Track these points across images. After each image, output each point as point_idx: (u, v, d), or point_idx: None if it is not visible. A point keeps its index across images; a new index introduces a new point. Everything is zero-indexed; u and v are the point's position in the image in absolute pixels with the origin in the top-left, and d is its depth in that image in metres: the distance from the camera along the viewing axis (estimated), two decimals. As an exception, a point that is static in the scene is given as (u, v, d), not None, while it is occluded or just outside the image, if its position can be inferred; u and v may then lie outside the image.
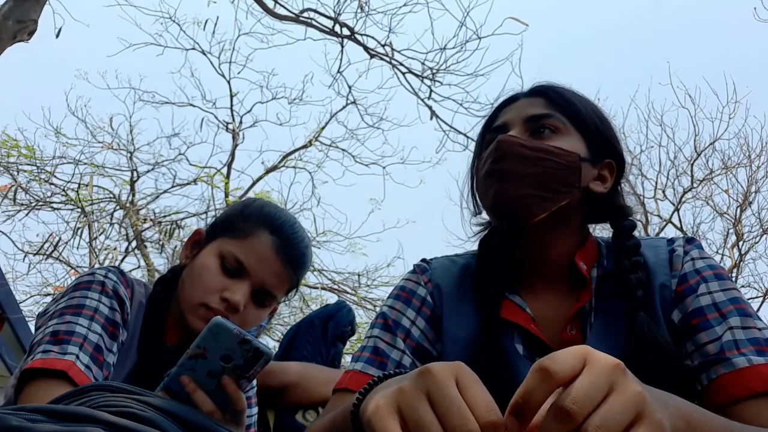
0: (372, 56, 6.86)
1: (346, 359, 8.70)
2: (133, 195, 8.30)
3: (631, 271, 0.89)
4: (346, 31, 6.65)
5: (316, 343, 1.49)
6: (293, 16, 6.52)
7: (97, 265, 5.31)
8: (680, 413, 0.51)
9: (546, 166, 0.89)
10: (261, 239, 1.05)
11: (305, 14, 6.54)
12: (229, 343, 0.77)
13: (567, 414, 0.43)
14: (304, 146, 8.68)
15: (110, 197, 8.23)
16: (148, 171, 8.32)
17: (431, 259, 1.04)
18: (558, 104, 0.96)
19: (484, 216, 1.03)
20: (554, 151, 0.90)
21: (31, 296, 8.28)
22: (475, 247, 1.04)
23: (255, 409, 1.22)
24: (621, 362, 0.46)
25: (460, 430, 0.44)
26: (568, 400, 0.43)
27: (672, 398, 0.53)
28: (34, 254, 7.45)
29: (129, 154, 8.27)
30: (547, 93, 0.98)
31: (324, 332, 1.51)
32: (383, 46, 6.72)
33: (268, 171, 8.67)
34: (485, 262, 0.97)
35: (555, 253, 0.93)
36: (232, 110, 8.37)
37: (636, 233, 0.95)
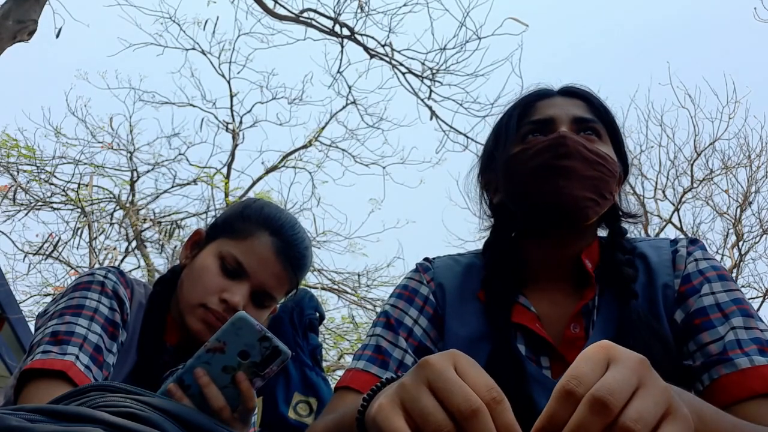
0: (372, 56, 6.86)
1: (330, 354, 8.68)
2: (133, 195, 8.31)
3: (626, 264, 0.90)
4: (346, 31, 6.65)
5: (288, 335, 1.49)
6: (293, 16, 6.52)
7: (96, 266, 5.31)
8: (694, 410, 0.51)
9: (600, 171, 0.89)
10: (261, 240, 1.05)
11: (305, 14, 6.54)
12: (250, 338, 0.77)
13: (604, 405, 0.42)
14: (304, 146, 8.68)
15: (110, 197, 8.24)
16: (148, 171, 8.34)
17: (434, 258, 1.04)
18: (599, 111, 0.96)
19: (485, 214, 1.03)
20: (606, 158, 0.90)
21: (31, 296, 8.29)
22: (475, 246, 1.04)
23: (255, 409, 1.22)
24: (645, 358, 0.46)
25: (464, 408, 0.44)
26: (604, 391, 0.42)
27: (683, 393, 0.53)
28: (34, 254, 7.46)
29: (129, 154, 8.28)
30: (587, 98, 0.97)
31: (291, 322, 1.51)
32: (383, 46, 6.73)
33: (268, 171, 8.67)
34: (496, 266, 0.96)
35: (568, 253, 0.93)
36: (232, 110, 8.38)
37: (637, 233, 0.96)
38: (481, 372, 0.48)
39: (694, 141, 8.83)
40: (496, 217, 1.02)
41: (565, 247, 0.93)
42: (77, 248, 7.78)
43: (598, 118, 0.95)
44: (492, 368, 0.83)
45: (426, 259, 1.04)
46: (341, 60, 7.21)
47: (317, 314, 1.59)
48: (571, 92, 0.99)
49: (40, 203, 7.72)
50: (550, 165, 0.88)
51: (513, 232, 0.99)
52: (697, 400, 0.55)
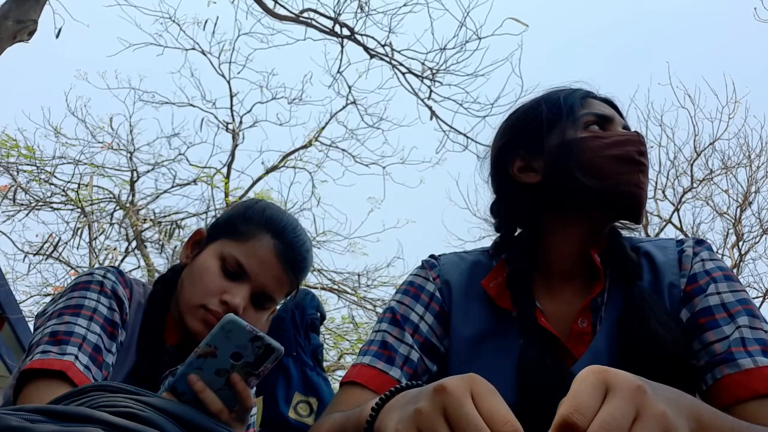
0: (372, 56, 6.86)
1: (330, 354, 8.68)
2: (133, 195, 8.30)
3: (629, 250, 0.92)
4: (346, 31, 6.65)
5: (289, 335, 1.49)
6: (293, 16, 6.52)
7: (96, 266, 5.31)
8: (691, 413, 0.51)
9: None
10: (263, 242, 1.04)
11: (305, 14, 6.54)
12: (241, 340, 0.76)
13: None
14: (304, 146, 8.68)
15: (110, 197, 8.24)
16: (148, 171, 8.33)
17: (440, 255, 1.03)
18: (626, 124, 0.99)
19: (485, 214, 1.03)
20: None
21: (31, 296, 8.28)
22: (473, 247, 1.04)
23: (254, 409, 1.22)
24: (642, 383, 0.46)
25: None
26: None
27: (682, 397, 0.53)
28: (34, 254, 7.45)
29: (129, 154, 8.27)
30: (619, 110, 1.00)
31: (293, 322, 1.51)
32: (383, 46, 6.73)
33: (268, 171, 8.67)
34: (520, 265, 0.94)
35: (586, 248, 0.93)
36: (232, 110, 8.38)
37: (636, 233, 0.98)
38: (498, 402, 0.47)
39: (694, 141, 8.83)
40: (520, 197, 0.98)
41: (591, 240, 0.93)
42: (77, 248, 7.79)
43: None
44: (521, 373, 0.83)
45: (432, 256, 1.04)
46: (341, 60, 7.21)
47: (318, 314, 1.59)
48: (608, 101, 1.00)
49: (40, 203, 7.71)
50: (634, 159, 0.90)
51: (536, 214, 0.97)
52: (695, 404, 0.55)
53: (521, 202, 0.98)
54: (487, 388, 0.48)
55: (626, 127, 0.96)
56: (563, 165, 0.92)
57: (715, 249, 0.93)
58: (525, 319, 0.89)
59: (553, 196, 0.94)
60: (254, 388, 1.22)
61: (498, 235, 1.01)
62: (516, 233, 1.00)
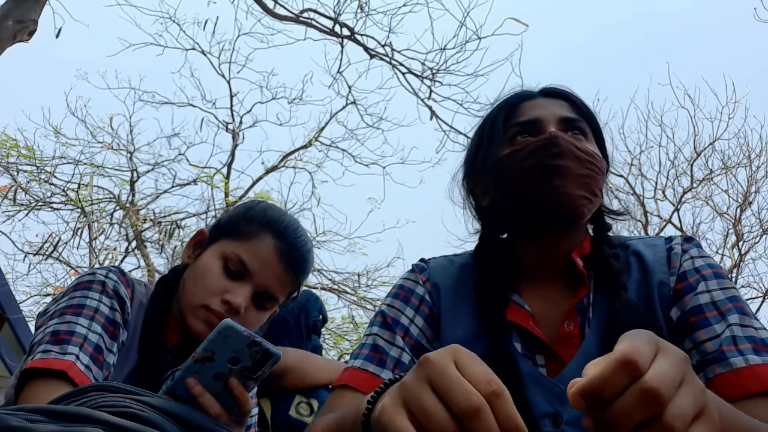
0: (372, 56, 6.86)
1: (330, 354, 8.68)
2: (133, 195, 8.30)
3: (612, 257, 0.91)
4: (346, 32, 6.65)
5: (292, 338, 1.49)
6: (293, 16, 6.53)
7: (97, 266, 5.30)
8: (715, 403, 0.51)
9: (591, 169, 0.90)
10: (264, 242, 1.05)
11: (305, 14, 6.54)
12: (238, 345, 0.77)
13: (656, 397, 0.42)
14: (304, 146, 8.68)
15: (110, 197, 8.24)
16: (148, 171, 8.33)
17: (429, 259, 1.04)
18: (582, 111, 0.97)
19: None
20: (595, 156, 0.91)
21: (31, 296, 8.28)
22: (474, 247, 1.04)
23: (255, 409, 1.22)
24: (687, 355, 0.47)
25: (465, 406, 0.44)
26: (657, 383, 0.42)
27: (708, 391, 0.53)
28: (34, 254, 7.45)
29: (129, 154, 8.28)
30: (569, 98, 0.98)
31: (297, 326, 1.52)
32: (383, 46, 6.73)
33: (268, 171, 8.67)
34: (488, 269, 0.95)
35: (560, 252, 0.93)
36: (232, 110, 8.39)
37: (636, 233, 0.97)
38: (481, 365, 0.48)
39: (694, 141, 8.83)
40: (485, 220, 1.02)
41: (558, 245, 0.93)
42: (77, 248, 7.79)
43: (582, 117, 0.96)
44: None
45: (422, 259, 1.04)
46: (341, 60, 7.22)
47: (320, 316, 1.59)
48: (553, 92, 0.99)
49: (40, 203, 7.71)
50: (545, 165, 0.88)
51: (503, 234, 1.00)
52: (714, 396, 0.55)
53: (484, 220, 1.02)
54: (469, 355, 0.49)
55: (569, 120, 0.93)
56: (494, 187, 0.95)
57: (715, 249, 0.93)
58: (489, 319, 0.89)
59: (503, 216, 0.97)
60: (254, 391, 1.22)
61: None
62: (489, 240, 1.01)
